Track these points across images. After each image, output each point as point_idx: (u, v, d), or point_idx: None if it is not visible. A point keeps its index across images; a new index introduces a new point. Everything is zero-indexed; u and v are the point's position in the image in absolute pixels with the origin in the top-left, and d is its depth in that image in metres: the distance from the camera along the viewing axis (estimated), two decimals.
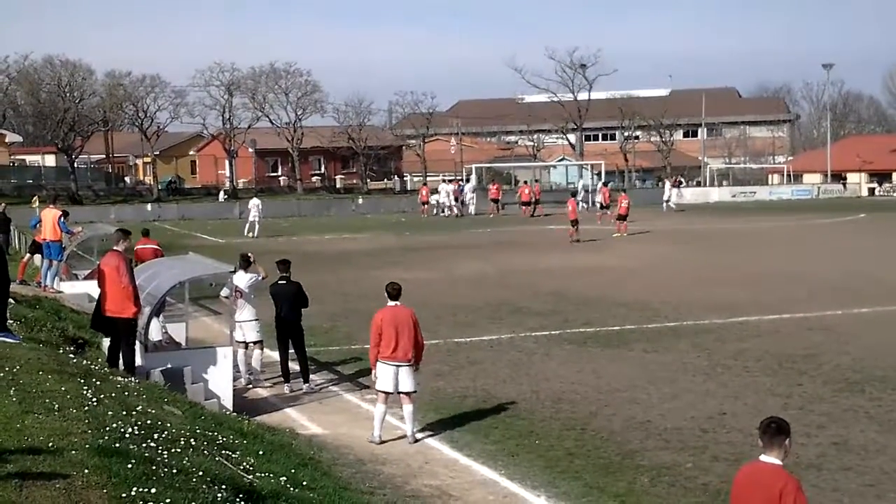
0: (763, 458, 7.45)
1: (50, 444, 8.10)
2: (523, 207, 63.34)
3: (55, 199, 30.30)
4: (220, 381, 15.23)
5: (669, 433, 13.95)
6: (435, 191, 69.05)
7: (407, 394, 13.82)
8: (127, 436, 9.02)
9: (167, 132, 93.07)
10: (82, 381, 11.14)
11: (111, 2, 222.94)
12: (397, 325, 13.69)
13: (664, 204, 66.28)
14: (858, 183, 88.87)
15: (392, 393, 13.80)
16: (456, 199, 66.66)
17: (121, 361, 14.49)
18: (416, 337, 13.79)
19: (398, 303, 13.91)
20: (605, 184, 66.41)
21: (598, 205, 59.07)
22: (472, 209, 66.35)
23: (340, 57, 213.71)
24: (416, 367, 14.02)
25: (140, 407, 10.66)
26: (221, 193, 52.83)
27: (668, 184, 72.71)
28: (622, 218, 46.91)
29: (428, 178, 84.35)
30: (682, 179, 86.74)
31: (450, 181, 73.22)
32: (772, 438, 7.45)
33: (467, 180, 72.84)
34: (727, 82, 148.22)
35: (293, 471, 10.80)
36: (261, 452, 11.28)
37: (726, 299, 25.95)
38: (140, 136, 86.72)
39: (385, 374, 13.75)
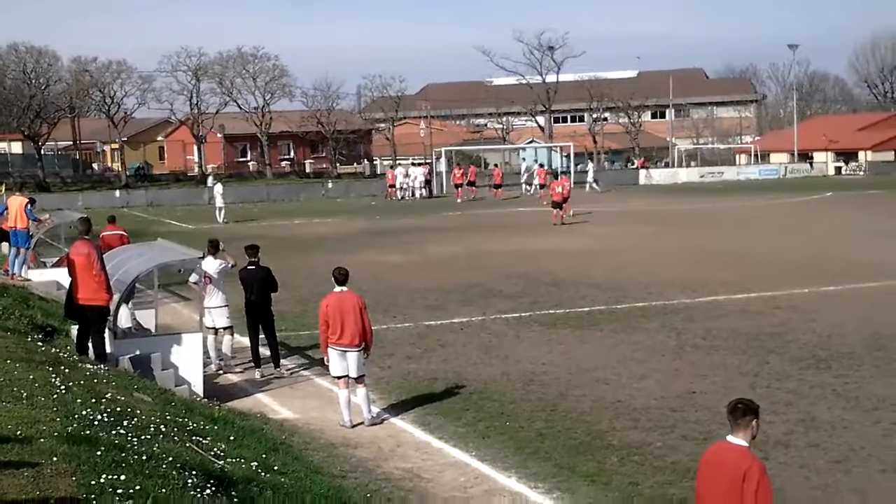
0: (730, 438, 7.49)
1: (18, 433, 8.07)
2: (495, 190, 63.50)
3: (22, 187, 29.99)
4: (190, 367, 15.20)
5: (638, 413, 14.06)
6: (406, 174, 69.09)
7: (356, 378, 13.86)
8: (96, 423, 9.00)
9: (135, 118, 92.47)
10: (51, 369, 11.11)
11: None
12: (343, 310, 13.70)
13: (587, 185, 67.48)
14: (825, 162, 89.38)
15: (345, 377, 13.83)
16: (427, 183, 66.88)
17: (90, 349, 14.44)
18: (362, 322, 13.79)
19: (345, 288, 13.92)
20: (541, 165, 67.75)
21: (535, 186, 61.93)
22: (423, 193, 66.59)
23: (308, 41, 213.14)
24: (366, 352, 14.06)
25: (109, 394, 10.63)
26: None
27: (591, 165, 74.86)
28: (557, 206, 42.71)
29: (398, 162, 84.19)
30: (647, 163, 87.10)
31: (419, 164, 73.22)
32: (739, 419, 7.49)
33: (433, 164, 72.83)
34: (694, 63, 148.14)
35: (264, 455, 10.83)
36: (231, 438, 11.29)
37: (695, 279, 26.11)
38: (107, 122, 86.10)
39: (336, 360, 13.83)
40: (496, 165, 75.77)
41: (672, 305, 22.50)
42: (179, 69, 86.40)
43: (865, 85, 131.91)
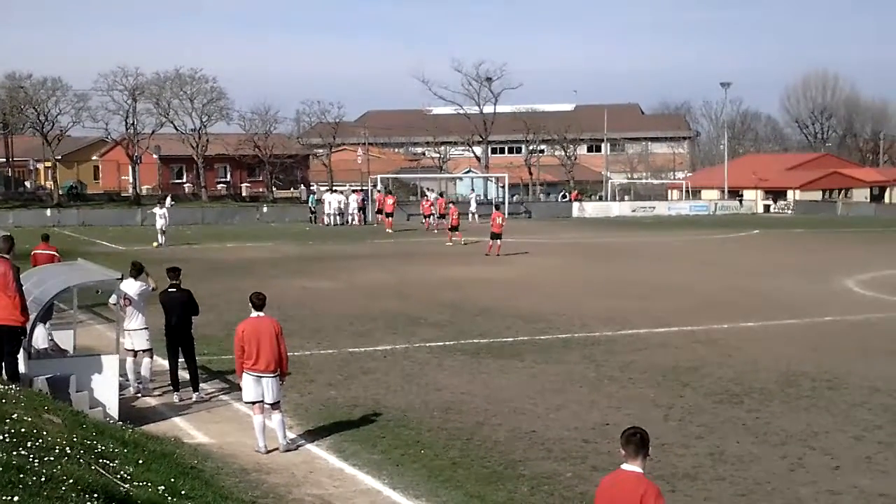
0: (625, 466, 7.71)
1: None
2: (438, 220, 62.25)
3: None
4: (105, 390, 15.06)
5: (552, 443, 14.22)
6: (319, 201, 69.23)
7: (272, 405, 13.85)
8: None
9: (69, 136, 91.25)
10: None
11: (11, 2, 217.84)
12: (259, 336, 13.72)
13: (469, 215, 68.01)
14: (754, 200, 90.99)
15: (260, 402, 13.83)
16: (361, 209, 67.00)
17: (2, 369, 14.26)
18: (278, 348, 13.81)
19: (262, 313, 13.94)
20: (440, 195, 69.34)
21: (433, 216, 62.24)
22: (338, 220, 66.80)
23: (247, 64, 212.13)
24: (282, 378, 14.06)
25: (16, 415, 10.52)
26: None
27: (473, 195, 74.56)
28: (496, 236, 42.85)
29: (335, 188, 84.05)
30: (580, 196, 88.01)
31: (355, 191, 73.26)
32: (637, 449, 7.71)
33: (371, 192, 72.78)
34: (630, 98, 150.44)
35: (173, 480, 10.76)
36: (140, 461, 11.21)
37: (618, 311, 26.44)
38: (41, 140, 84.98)
39: (250, 385, 13.83)
40: (441, 195, 74.84)
41: (594, 337, 22.76)
42: (116, 88, 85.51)
43: (796, 125, 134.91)
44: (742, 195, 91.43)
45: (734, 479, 12.67)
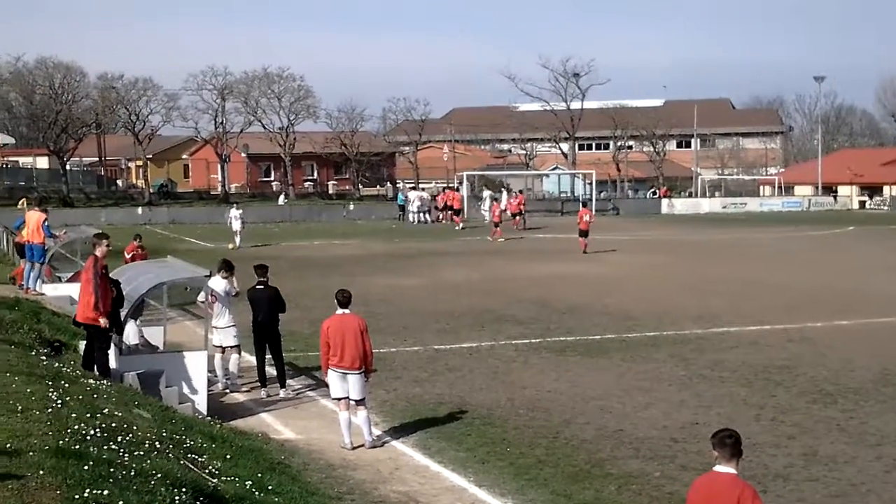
0: (718, 468, 7.58)
1: (8, 446, 8.11)
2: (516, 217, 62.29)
3: (41, 202, 30.20)
4: (194, 385, 15.26)
5: (640, 442, 14.00)
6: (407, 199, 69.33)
7: (357, 401, 13.86)
8: (88, 438, 9.03)
9: (160, 136, 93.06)
10: (50, 383, 11.15)
11: (104, 4, 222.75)
12: (344, 333, 13.74)
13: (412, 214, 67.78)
14: (849, 196, 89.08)
15: (346, 398, 13.85)
16: (448, 208, 67.06)
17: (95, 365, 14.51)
18: (363, 345, 13.80)
19: (347, 311, 13.95)
20: (453, 189, 69.68)
21: (451, 210, 63.23)
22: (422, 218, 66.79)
23: (334, 62, 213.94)
24: (367, 375, 14.05)
25: (107, 409, 10.67)
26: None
27: (413, 194, 72.09)
28: (584, 233, 42.60)
29: (421, 185, 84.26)
30: (669, 192, 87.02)
31: (451, 189, 73.00)
32: (731, 450, 7.61)
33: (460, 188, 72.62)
34: (721, 93, 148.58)
35: (260, 475, 10.82)
36: (228, 457, 11.31)
37: (708, 309, 26.02)
38: (133, 139, 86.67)
39: (335, 382, 13.86)
40: (520, 192, 74.71)
41: (683, 335, 22.41)
42: (205, 88, 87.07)
43: (892, 119, 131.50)
44: (836, 191, 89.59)
45: (827, 480, 12.34)
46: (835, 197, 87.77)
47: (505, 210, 58.86)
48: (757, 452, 13.17)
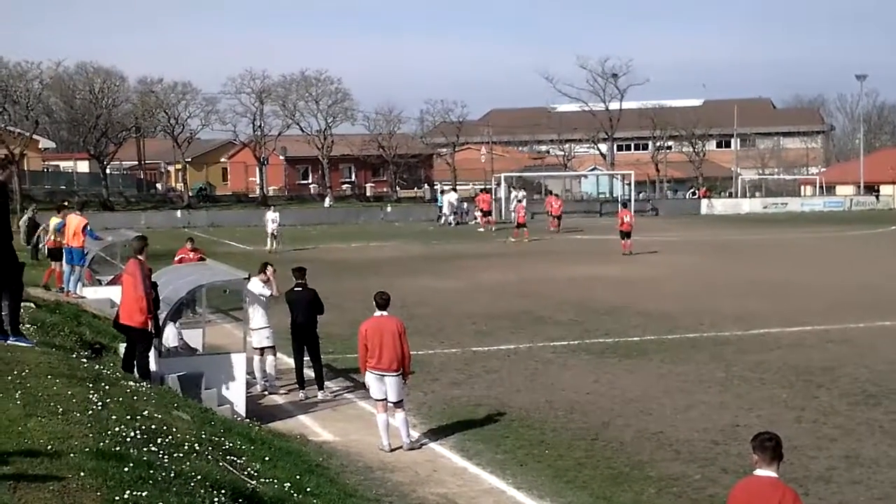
0: (759, 472, 7.55)
1: (49, 447, 8.16)
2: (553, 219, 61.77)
3: (83, 206, 30.46)
4: (233, 388, 15.34)
5: (680, 444, 13.91)
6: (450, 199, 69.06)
7: (395, 403, 13.86)
8: (128, 440, 9.08)
9: (199, 139, 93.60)
10: (91, 385, 11.23)
11: (143, 9, 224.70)
12: (382, 335, 13.75)
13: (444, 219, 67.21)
14: (892, 195, 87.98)
15: (384, 400, 13.85)
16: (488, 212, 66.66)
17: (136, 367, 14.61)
18: (401, 347, 13.80)
19: (385, 313, 13.96)
20: (485, 191, 69.23)
21: (481, 212, 62.33)
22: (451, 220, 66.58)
23: (371, 65, 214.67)
24: (405, 377, 14.05)
25: (147, 412, 10.72)
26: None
27: (445, 197, 71.28)
28: (626, 235, 42.69)
29: (450, 187, 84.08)
30: (709, 193, 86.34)
31: (483, 191, 72.76)
32: (772, 454, 7.59)
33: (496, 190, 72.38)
34: (761, 93, 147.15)
35: (298, 477, 10.84)
36: (267, 458, 11.34)
37: (748, 310, 25.80)
38: (172, 143, 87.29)
39: (374, 383, 13.87)
40: (557, 195, 74.04)
41: (724, 337, 22.24)
42: (243, 91, 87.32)
43: None
44: (879, 190, 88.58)
45: (870, 483, 12.20)
46: (877, 196, 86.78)
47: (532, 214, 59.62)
48: (798, 455, 13.03)
